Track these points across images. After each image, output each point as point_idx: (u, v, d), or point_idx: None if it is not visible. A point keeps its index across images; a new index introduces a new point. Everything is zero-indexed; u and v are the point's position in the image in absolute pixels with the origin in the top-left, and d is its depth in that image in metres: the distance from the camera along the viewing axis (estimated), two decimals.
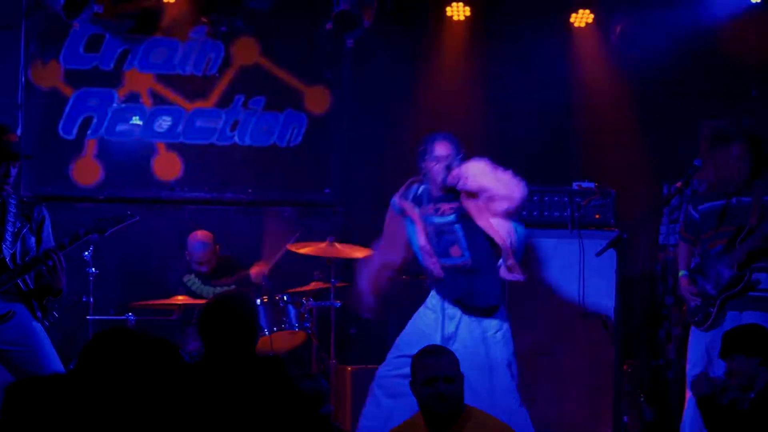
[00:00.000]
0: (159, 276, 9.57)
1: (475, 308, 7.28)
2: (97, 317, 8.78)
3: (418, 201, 7.52)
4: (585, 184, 8.51)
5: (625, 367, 8.46)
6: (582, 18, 10.37)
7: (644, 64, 10.08)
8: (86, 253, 8.54)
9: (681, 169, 7.27)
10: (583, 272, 7.92)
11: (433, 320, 7.35)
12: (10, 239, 6.50)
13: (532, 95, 10.30)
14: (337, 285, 8.76)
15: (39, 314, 6.64)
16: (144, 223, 9.65)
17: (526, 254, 7.81)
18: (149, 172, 10.03)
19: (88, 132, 9.88)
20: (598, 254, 7.59)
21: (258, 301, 8.56)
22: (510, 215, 7.23)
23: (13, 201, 6.57)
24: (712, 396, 6.18)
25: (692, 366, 7.34)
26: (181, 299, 9.05)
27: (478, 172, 7.26)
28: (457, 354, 5.72)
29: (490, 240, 7.26)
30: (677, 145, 9.69)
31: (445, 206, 7.41)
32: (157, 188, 10.03)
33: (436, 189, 7.43)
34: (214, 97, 10.13)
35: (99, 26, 9.85)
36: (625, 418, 8.42)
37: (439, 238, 7.39)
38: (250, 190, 10.21)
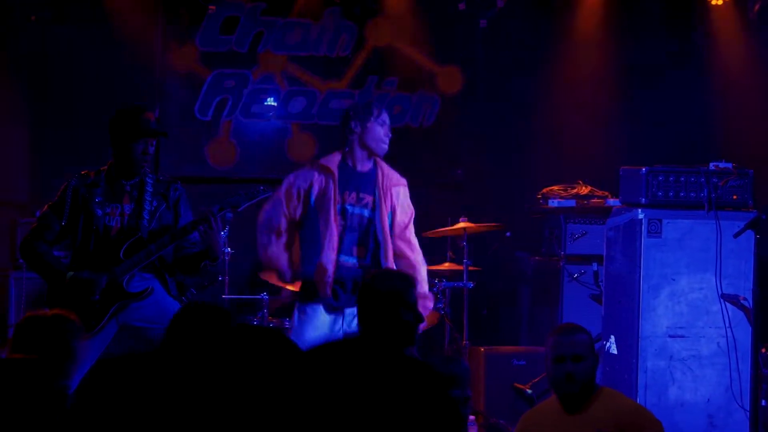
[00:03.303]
0: None
1: None
2: (232, 296, 8.91)
3: (342, 185, 6.74)
4: (722, 165, 8.35)
5: (763, 350, 8.30)
6: None
7: None
8: (222, 232, 8.64)
9: None
10: (720, 254, 7.75)
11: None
12: (147, 217, 6.55)
13: (667, 74, 10.17)
14: (471, 267, 8.73)
15: (174, 291, 6.71)
16: None
17: (662, 235, 7.70)
18: (283, 153, 10.12)
19: (224, 113, 10.01)
20: (736, 235, 7.46)
21: None
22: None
23: (150, 180, 6.64)
24: None
25: None
26: None
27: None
28: None
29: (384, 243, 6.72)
30: None
31: (367, 197, 6.71)
32: (291, 169, 10.08)
33: (362, 161, 6.75)
34: (348, 78, 10.18)
35: (234, 9, 9.97)
36: (763, 402, 8.26)
37: (347, 233, 6.70)
38: None
